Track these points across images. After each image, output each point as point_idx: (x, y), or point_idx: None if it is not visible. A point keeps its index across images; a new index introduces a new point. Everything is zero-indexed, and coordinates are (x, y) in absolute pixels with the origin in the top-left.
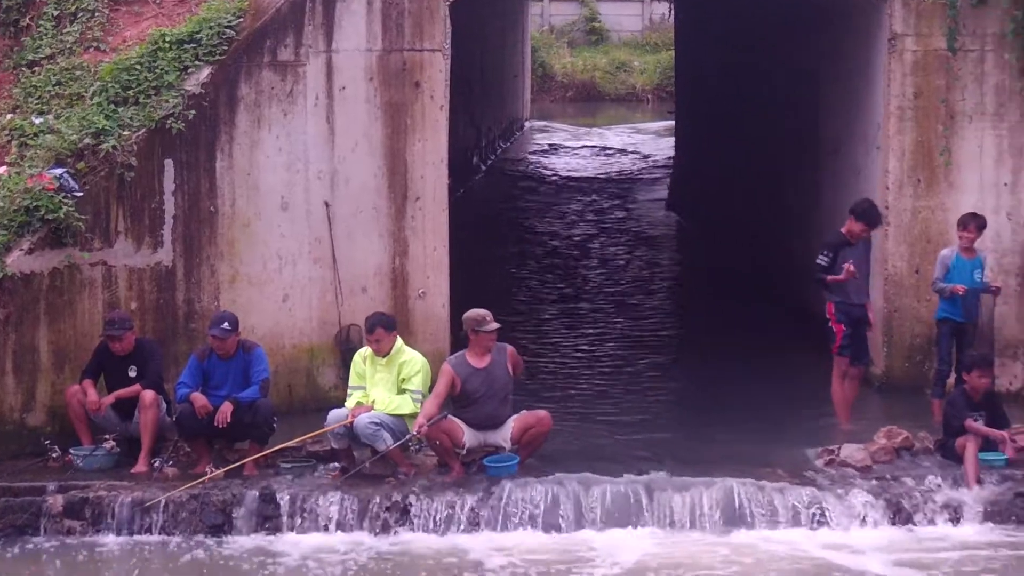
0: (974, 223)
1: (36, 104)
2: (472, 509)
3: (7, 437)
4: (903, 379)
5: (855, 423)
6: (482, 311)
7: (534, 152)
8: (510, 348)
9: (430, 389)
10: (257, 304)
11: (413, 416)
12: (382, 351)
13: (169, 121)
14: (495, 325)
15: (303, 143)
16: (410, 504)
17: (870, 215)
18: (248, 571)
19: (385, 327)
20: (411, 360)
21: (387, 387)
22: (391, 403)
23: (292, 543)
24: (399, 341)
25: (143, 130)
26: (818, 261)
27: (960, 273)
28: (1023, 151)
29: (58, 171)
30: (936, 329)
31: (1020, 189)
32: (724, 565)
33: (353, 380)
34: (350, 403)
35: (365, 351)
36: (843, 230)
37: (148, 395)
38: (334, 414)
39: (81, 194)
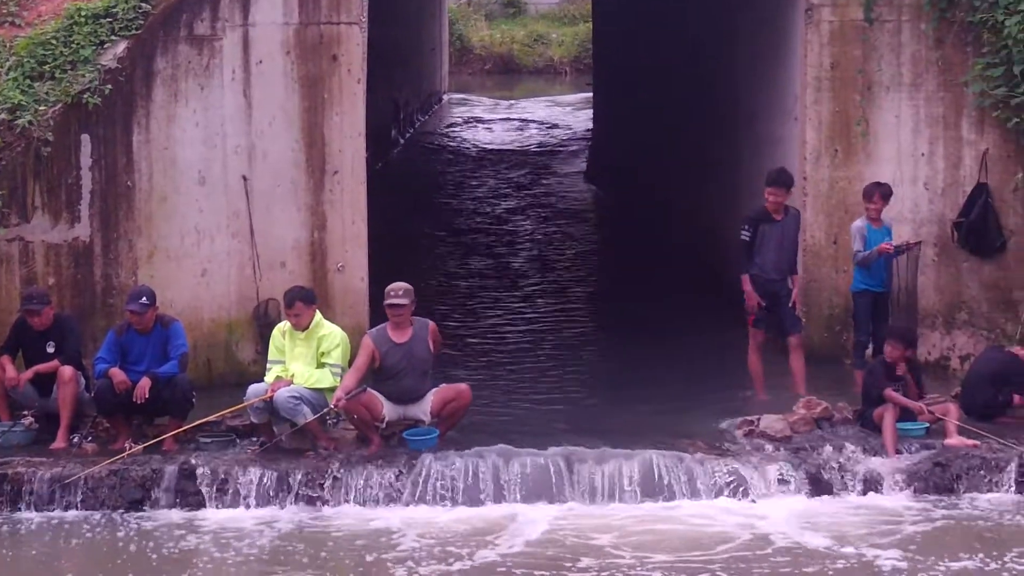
0: (878, 192)
1: None
2: (391, 483)
3: None
4: (821, 349)
5: (772, 393)
6: (394, 284)
7: (452, 125)
8: (432, 324)
9: (350, 363)
10: (175, 279)
11: (333, 390)
12: (301, 325)
13: (86, 96)
14: (397, 300)
15: (220, 117)
16: (329, 478)
17: (772, 177)
18: (168, 546)
19: (305, 301)
20: (330, 334)
21: (306, 361)
22: (310, 377)
23: (212, 518)
24: (318, 315)
25: (59, 105)
26: (740, 236)
27: (873, 243)
28: (940, 121)
29: None
30: (854, 301)
31: (937, 159)
32: (642, 536)
33: (272, 354)
34: (269, 377)
35: (284, 325)
36: (766, 203)
37: (67, 371)
38: (253, 389)
39: None
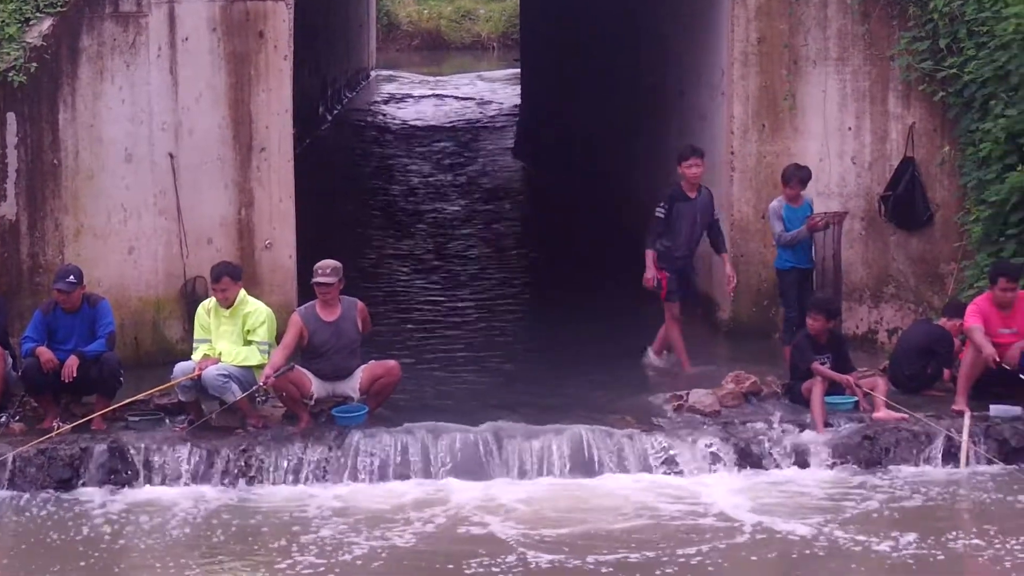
0: (797, 177)
1: None
2: (320, 460)
3: None
4: (750, 324)
5: (702, 367)
6: (322, 262)
7: (380, 101)
8: (360, 303)
9: (277, 339)
10: (102, 257)
11: (261, 367)
12: (227, 301)
13: (11, 74)
14: (325, 278)
15: (147, 94)
16: (258, 455)
17: (686, 149)
18: (97, 525)
19: (232, 276)
20: (255, 311)
21: (232, 339)
22: (238, 355)
23: (141, 496)
24: (243, 292)
25: None
26: (655, 214)
27: (792, 223)
28: (866, 95)
29: None
30: (781, 279)
31: (864, 133)
32: (571, 511)
33: (198, 333)
34: (196, 356)
35: (209, 303)
36: (681, 182)
37: None
38: (180, 367)
39: None
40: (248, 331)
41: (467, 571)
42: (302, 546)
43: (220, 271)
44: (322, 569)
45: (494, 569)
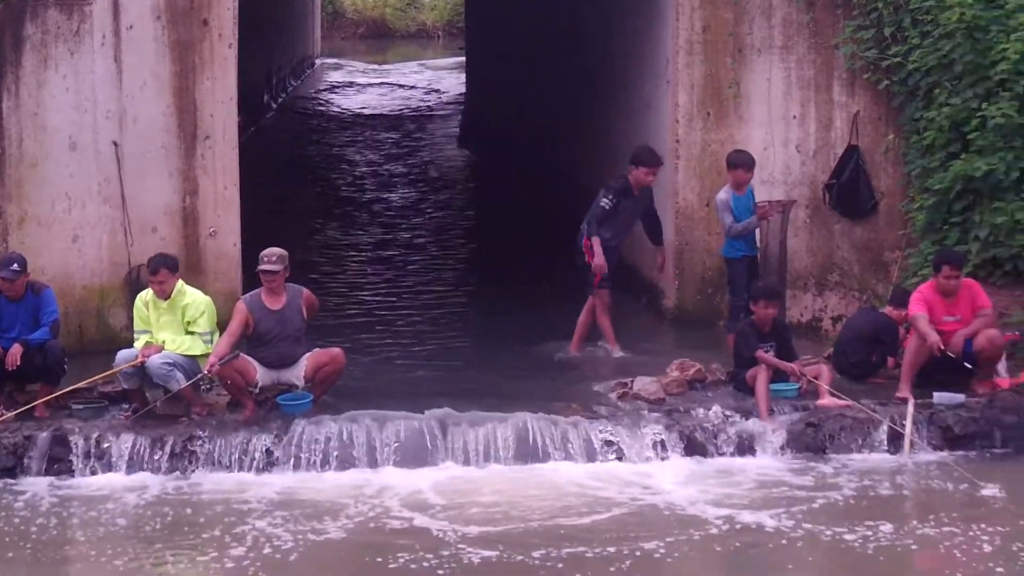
0: (743, 164)
1: None
2: (266, 448)
3: None
4: (695, 312)
5: (646, 354)
6: (268, 250)
7: (325, 90)
8: (306, 291)
9: (221, 327)
10: (47, 245)
11: (204, 356)
12: (165, 292)
13: None
14: (270, 266)
15: (91, 83)
16: (203, 444)
17: (654, 157)
18: (41, 513)
19: (169, 268)
20: (194, 302)
21: (173, 330)
22: (181, 344)
23: (85, 484)
24: (180, 283)
25: None
26: (601, 204)
27: (740, 212)
28: (811, 84)
29: None
30: (731, 267)
31: (809, 122)
32: (515, 499)
33: (138, 325)
34: (138, 346)
35: (147, 294)
36: (630, 179)
37: None
38: (122, 355)
39: None
40: (188, 323)
41: (394, 565)
42: (235, 537)
43: (157, 263)
44: (246, 563)
45: (425, 563)
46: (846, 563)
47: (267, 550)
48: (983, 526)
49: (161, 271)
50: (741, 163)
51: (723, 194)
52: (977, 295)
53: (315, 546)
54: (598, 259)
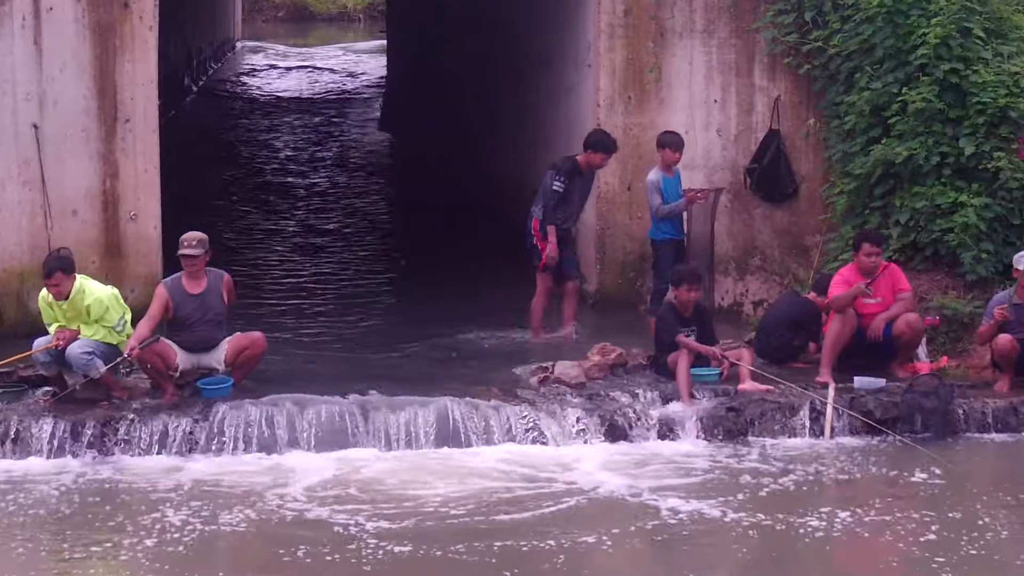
0: (673, 145)
1: None
2: (186, 432)
3: None
4: (616, 295)
5: (548, 334)
6: (188, 234)
7: (246, 73)
8: (227, 276)
9: (141, 312)
10: None
11: (121, 342)
12: (62, 294)
13: None
14: (191, 251)
15: (10, 65)
16: (124, 428)
17: (609, 143)
18: None
19: (64, 271)
20: (95, 302)
21: (81, 322)
22: (96, 333)
23: (4, 469)
24: (79, 281)
25: None
26: (554, 189)
27: (668, 194)
28: (732, 68)
29: None
30: (657, 250)
31: (730, 106)
32: (436, 482)
33: (47, 318)
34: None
35: (47, 295)
36: (580, 159)
37: None
38: (40, 342)
39: None
40: (96, 320)
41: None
42: (150, 524)
43: (52, 267)
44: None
45: (339, 552)
46: (769, 547)
47: (180, 538)
48: (907, 510)
49: (56, 274)
50: (670, 143)
51: (653, 175)
52: (898, 279)
53: (229, 534)
54: (552, 249)
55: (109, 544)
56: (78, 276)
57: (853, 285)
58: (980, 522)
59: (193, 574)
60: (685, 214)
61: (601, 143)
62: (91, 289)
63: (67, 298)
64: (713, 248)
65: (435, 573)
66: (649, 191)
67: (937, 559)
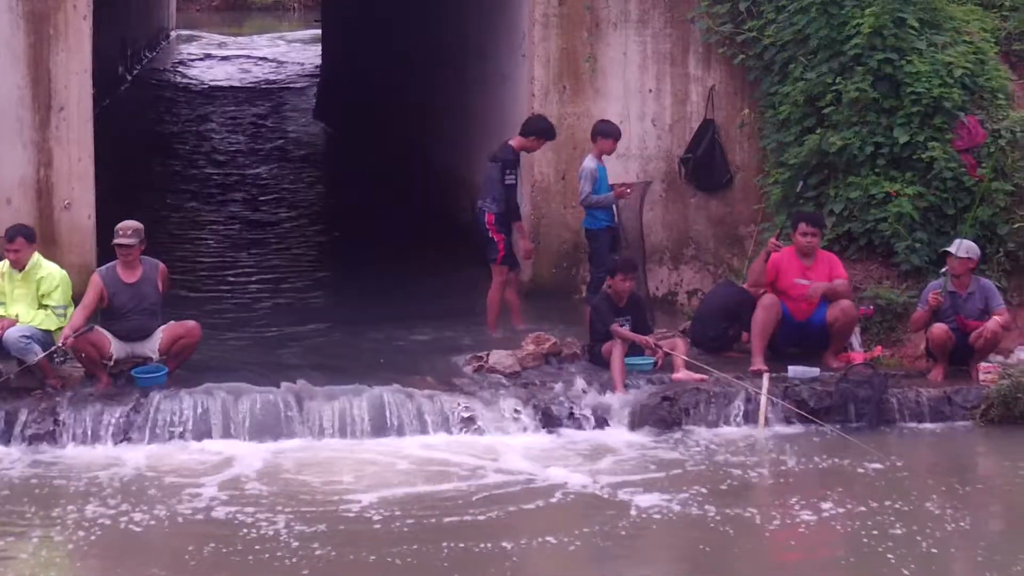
0: (611, 134)
1: None
2: (120, 421)
3: None
4: (551, 285)
5: (503, 330)
6: (123, 223)
7: (181, 62)
8: (162, 265)
9: (76, 300)
10: None
11: (59, 330)
12: (20, 262)
13: None
14: (126, 240)
15: None
16: (58, 416)
17: (552, 131)
18: None
19: (26, 237)
20: (49, 276)
21: (27, 303)
22: (34, 318)
23: None
24: (36, 255)
25: None
26: (507, 182)
27: (603, 181)
28: (667, 58)
29: None
30: (594, 239)
31: (664, 95)
32: (370, 471)
33: None
34: None
35: (2, 266)
36: (514, 145)
37: None
38: None
39: None
40: (43, 295)
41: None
42: (95, 505)
43: (15, 231)
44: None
45: (270, 543)
46: (702, 537)
47: (109, 530)
48: (842, 499)
49: (18, 239)
50: (608, 132)
51: (590, 162)
52: (835, 266)
53: (161, 525)
54: (526, 243)
55: (38, 534)
56: (36, 252)
57: (787, 264)
58: (914, 510)
59: (124, 563)
60: (614, 206)
61: (545, 131)
62: (46, 265)
63: (23, 269)
64: (643, 238)
65: (365, 563)
66: (583, 177)
67: (873, 548)
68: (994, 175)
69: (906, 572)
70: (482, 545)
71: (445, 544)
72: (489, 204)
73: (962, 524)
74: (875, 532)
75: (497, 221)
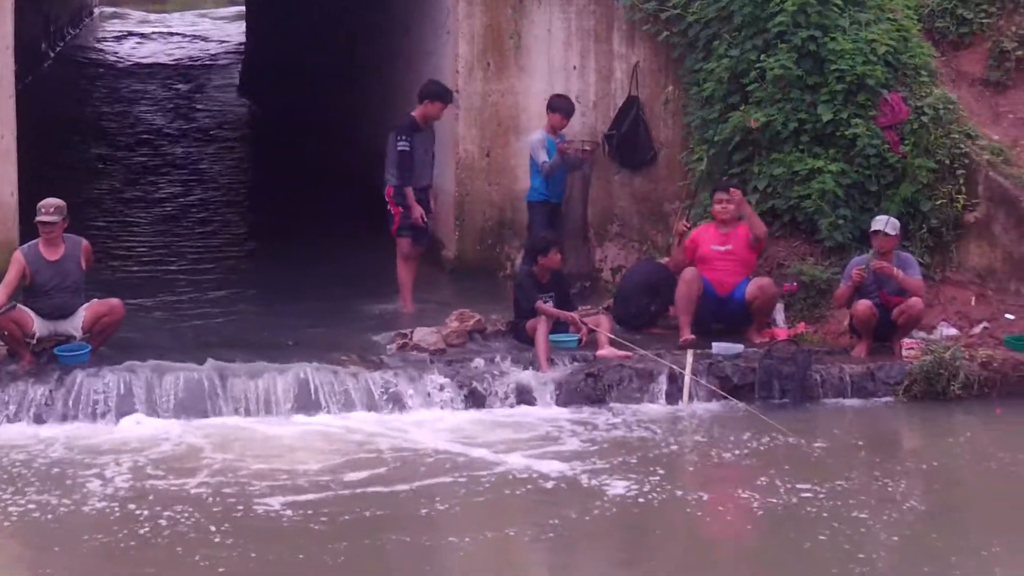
0: (563, 109)
1: None
2: (44, 399)
3: None
4: (475, 262)
5: (426, 305)
6: (45, 201)
7: (104, 39)
8: (85, 242)
9: None
10: None
11: None
12: None
13: None
14: (48, 217)
15: None
16: None
17: (445, 92)
18: None
19: None
20: None
21: None
22: None
23: None
24: None
25: None
26: (399, 148)
27: (553, 154)
28: (591, 34)
29: None
30: (533, 211)
31: (589, 72)
32: (295, 449)
33: None
34: None
35: None
36: (415, 115)
37: None
38: None
39: None
40: None
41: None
42: (15, 483)
43: None
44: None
45: (187, 523)
46: (625, 513)
47: (27, 511)
48: (763, 474)
49: None
50: (556, 107)
51: (537, 134)
52: (754, 224)
53: (77, 506)
54: (416, 210)
55: None
56: None
57: (703, 235)
58: (837, 486)
59: (41, 545)
60: (569, 178)
61: (437, 92)
62: None
63: None
64: (586, 210)
65: (291, 541)
66: (534, 149)
67: (796, 523)
68: (917, 152)
69: (828, 545)
70: (407, 521)
71: (369, 519)
72: (390, 177)
73: (886, 500)
74: (797, 507)
75: (396, 193)
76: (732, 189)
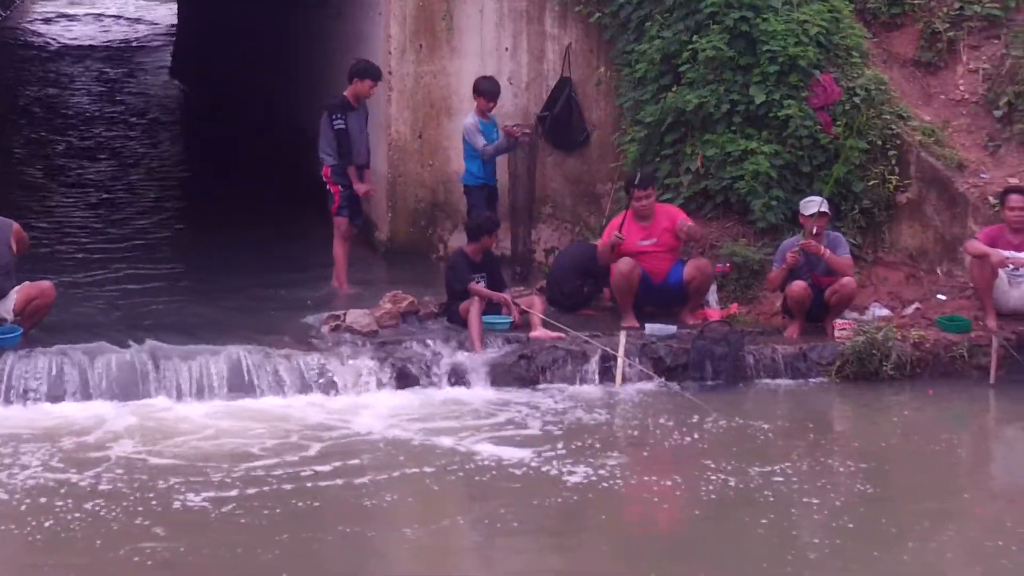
0: (490, 91)
1: None
2: None
3: None
4: (407, 244)
5: (359, 287)
6: None
7: (35, 20)
8: (15, 225)
9: None
10: None
11: None
12: None
13: None
14: None
15: None
16: None
17: (374, 70)
18: None
19: None
20: None
21: None
22: None
23: None
24: None
25: None
26: (335, 127)
27: (488, 136)
28: (523, 15)
29: None
30: (470, 195)
31: (521, 54)
32: (228, 432)
33: None
34: None
35: None
36: (347, 94)
37: None
38: None
39: None
40: None
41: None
42: None
43: None
44: None
45: (117, 509)
46: (556, 495)
47: None
48: (695, 456)
49: None
50: (480, 90)
51: (470, 119)
52: (673, 214)
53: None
54: (360, 186)
55: None
56: None
57: (627, 229)
58: (770, 466)
59: None
60: (509, 157)
61: (366, 70)
62: None
63: None
64: (534, 189)
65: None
66: (470, 133)
67: (729, 503)
68: (849, 133)
69: (763, 523)
70: (338, 502)
71: (299, 501)
72: (325, 157)
73: (819, 479)
74: (731, 487)
75: (334, 172)
76: (651, 187)
